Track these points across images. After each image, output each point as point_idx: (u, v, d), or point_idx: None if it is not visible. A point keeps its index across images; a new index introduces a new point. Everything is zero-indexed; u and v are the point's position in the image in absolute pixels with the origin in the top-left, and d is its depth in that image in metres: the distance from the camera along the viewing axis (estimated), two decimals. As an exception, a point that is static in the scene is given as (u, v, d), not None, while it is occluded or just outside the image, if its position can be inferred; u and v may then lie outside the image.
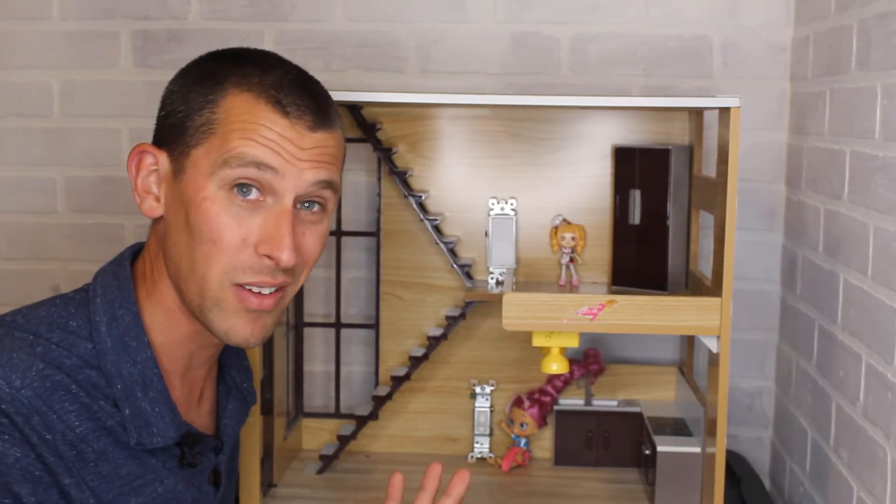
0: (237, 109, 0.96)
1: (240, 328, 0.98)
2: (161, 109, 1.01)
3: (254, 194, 0.96)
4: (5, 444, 0.89)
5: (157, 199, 1.00)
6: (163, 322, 1.01)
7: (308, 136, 0.97)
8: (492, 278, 1.60)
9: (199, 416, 1.08)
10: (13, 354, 0.92)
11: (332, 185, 1.00)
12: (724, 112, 1.28)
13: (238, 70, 0.98)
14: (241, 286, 0.96)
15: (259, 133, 0.95)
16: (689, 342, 1.63)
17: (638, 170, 1.47)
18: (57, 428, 0.91)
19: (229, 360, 1.15)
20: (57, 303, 1.00)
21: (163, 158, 0.99)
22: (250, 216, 0.95)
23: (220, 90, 0.97)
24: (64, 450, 0.92)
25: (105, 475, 0.95)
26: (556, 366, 1.37)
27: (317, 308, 1.72)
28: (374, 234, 1.63)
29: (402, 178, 1.58)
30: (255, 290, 0.97)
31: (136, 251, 1.05)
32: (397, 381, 1.59)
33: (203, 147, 0.96)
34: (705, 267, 1.61)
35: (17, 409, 0.89)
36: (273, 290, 0.98)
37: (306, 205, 0.99)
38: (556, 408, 1.61)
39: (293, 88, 0.98)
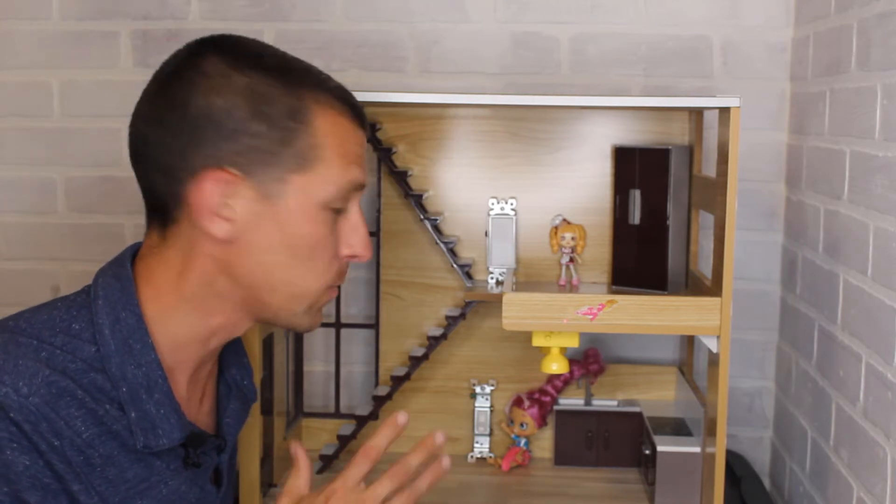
0: (329, 130, 0.99)
1: (310, 320, 1.05)
2: (216, 125, 0.95)
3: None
4: (14, 452, 0.88)
5: (228, 221, 0.96)
6: (167, 322, 1.00)
7: (364, 138, 1.05)
8: (492, 278, 1.60)
9: (201, 416, 1.08)
10: (19, 361, 0.91)
11: None
12: (724, 112, 1.28)
13: (303, 81, 0.99)
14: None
15: (355, 153, 1.02)
16: (689, 342, 1.63)
17: (638, 170, 1.47)
18: (65, 434, 0.91)
19: (229, 357, 1.14)
20: (58, 305, 0.99)
21: (243, 182, 0.96)
22: (336, 226, 1.02)
23: (303, 110, 0.97)
24: (72, 456, 0.91)
25: (112, 479, 0.95)
26: (556, 366, 1.37)
27: (317, 308, 1.71)
28: (374, 234, 1.63)
29: (402, 178, 1.58)
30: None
31: (135, 251, 1.05)
32: (397, 381, 1.59)
33: (305, 174, 0.97)
34: (705, 267, 1.61)
35: (26, 416, 0.89)
36: None
37: None
38: (556, 408, 1.61)
39: (347, 91, 1.03)
